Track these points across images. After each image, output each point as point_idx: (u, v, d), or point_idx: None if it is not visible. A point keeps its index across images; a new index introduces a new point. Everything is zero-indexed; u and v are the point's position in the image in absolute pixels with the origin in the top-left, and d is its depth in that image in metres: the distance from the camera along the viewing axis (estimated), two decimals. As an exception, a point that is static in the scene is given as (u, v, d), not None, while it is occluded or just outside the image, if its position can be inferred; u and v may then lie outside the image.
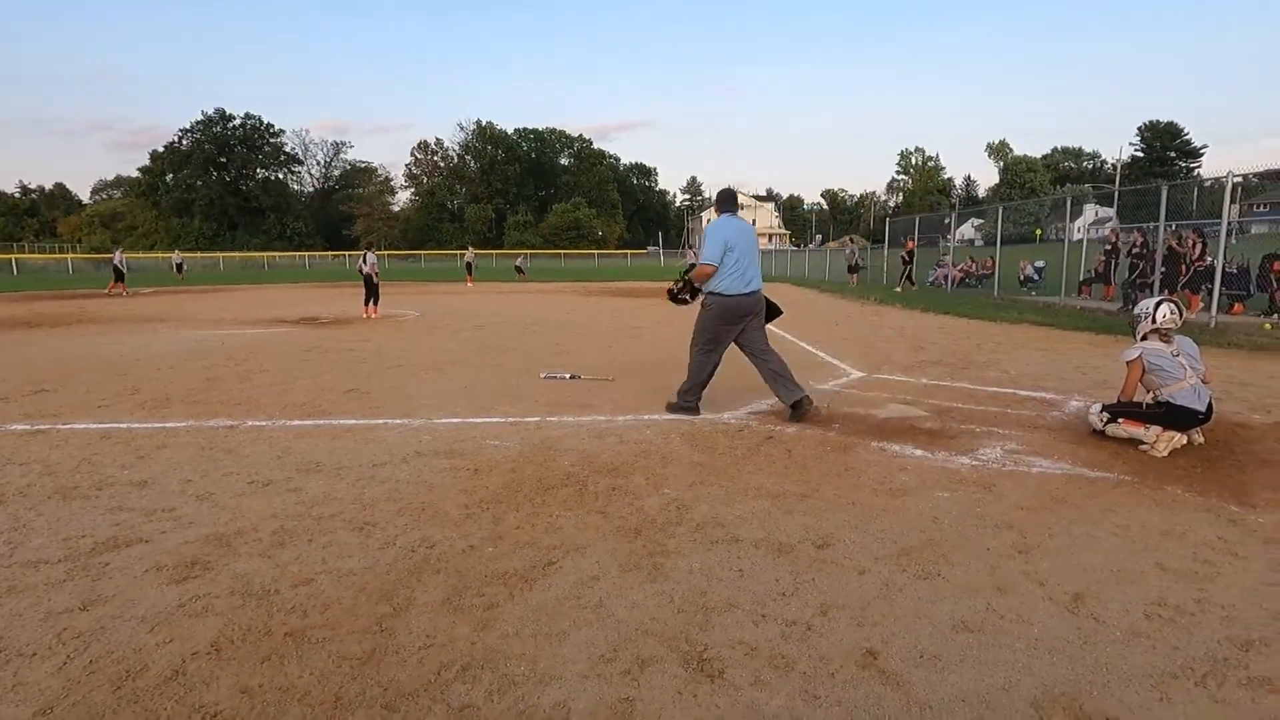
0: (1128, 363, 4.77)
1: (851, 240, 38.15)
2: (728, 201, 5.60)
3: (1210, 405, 4.59)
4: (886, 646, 2.39)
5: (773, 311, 5.67)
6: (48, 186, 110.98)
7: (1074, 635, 2.45)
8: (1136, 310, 4.93)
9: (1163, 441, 4.47)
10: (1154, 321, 4.73)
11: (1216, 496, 3.75)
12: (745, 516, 3.51)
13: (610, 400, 6.21)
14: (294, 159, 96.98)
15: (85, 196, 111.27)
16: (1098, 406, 4.86)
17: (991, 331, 11.32)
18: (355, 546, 3.19)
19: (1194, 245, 13.08)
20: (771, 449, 4.66)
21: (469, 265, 31.80)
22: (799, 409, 5.36)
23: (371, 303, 14.91)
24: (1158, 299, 4.86)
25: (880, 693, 2.15)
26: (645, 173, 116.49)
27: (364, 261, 15.23)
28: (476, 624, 2.54)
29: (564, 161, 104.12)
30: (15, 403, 6.29)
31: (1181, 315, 4.78)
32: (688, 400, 5.65)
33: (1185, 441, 4.54)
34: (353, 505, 3.70)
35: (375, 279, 15.00)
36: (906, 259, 22.33)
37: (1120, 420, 4.67)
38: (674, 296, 5.87)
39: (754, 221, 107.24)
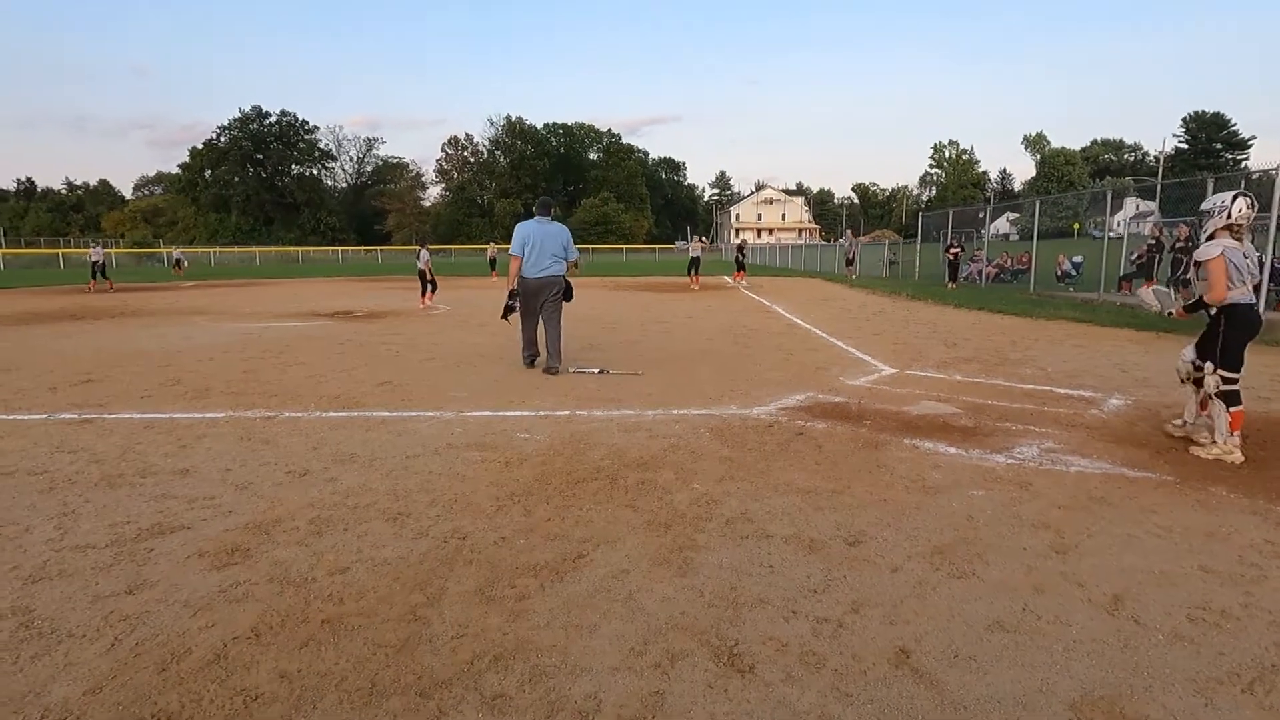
0: (1207, 262, 4.31)
1: (851, 233, 37.85)
2: (540, 207, 7.50)
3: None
4: (920, 645, 2.36)
5: (568, 292, 7.56)
6: (92, 183, 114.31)
7: (1114, 637, 2.40)
8: (1206, 206, 4.50)
9: (1220, 449, 4.26)
10: (1229, 216, 4.31)
11: (1264, 498, 3.64)
12: (775, 512, 3.50)
13: (639, 394, 6.22)
14: (328, 155, 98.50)
15: (128, 193, 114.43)
16: (1210, 365, 4.39)
17: (1027, 328, 11.10)
18: (389, 536, 3.24)
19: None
20: (801, 445, 4.63)
21: (492, 260, 32.24)
22: (545, 370, 7.31)
23: (429, 291, 16.22)
24: (1234, 192, 4.40)
25: (913, 692, 2.13)
26: (674, 167, 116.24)
27: (418, 258, 16.32)
28: (508, 615, 2.57)
29: (593, 156, 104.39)
30: (64, 393, 6.49)
31: (1255, 209, 4.39)
32: (526, 356, 7.61)
33: (1240, 460, 4.21)
34: (387, 496, 3.75)
35: (429, 273, 16.25)
36: (955, 255, 21.44)
37: (1232, 411, 4.28)
38: (505, 314, 7.84)
39: (783, 215, 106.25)
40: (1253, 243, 4.69)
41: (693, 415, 5.46)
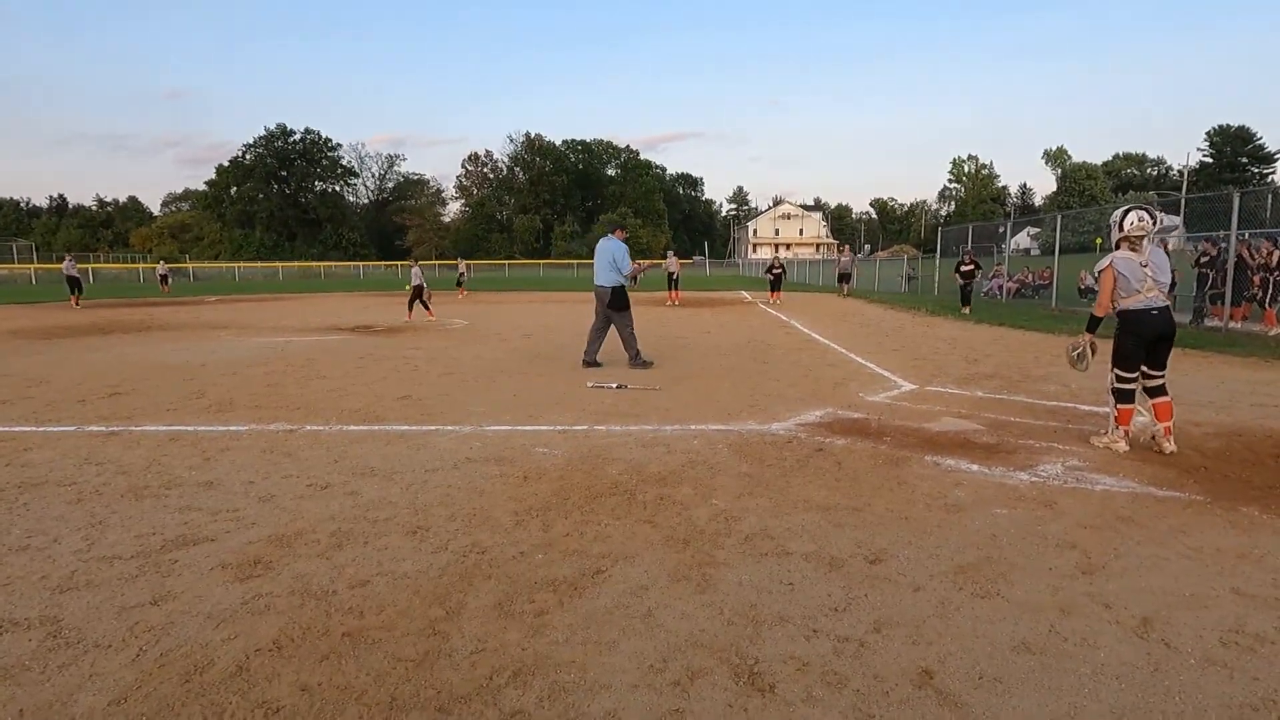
0: (1099, 273, 4.80)
1: (844, 249, 37.25)
2: (607, 226, 9.06)
3: (1169, 311, 4.73)
4: (943, 666, 2.33)
5: (614, 301, 8.69)
6: (122, 200, 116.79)
7: (1143, 661, 2.35)
8: (1110, 220, 4.94)
9: (1112, 438, 4.82)
10: (1121, 229, 4.74)
11: (1297, 519, 3.56)
12: (795, 529, 3.47)
13: (657, 409, 6.21)
14: (350, 171, 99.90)
15: (156, 209, 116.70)
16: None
17: (1050, 344, 10.96)
18: (409, 550, 3.26)
19: (1269, 254, 12.42)
20: (821, 461, 4.60)
21: (460, 277, 31.28)
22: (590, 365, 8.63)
23: (426, 307, 16.88)
24: (1126, 207, 4.88)
25: (937, 713, 2.10)
26: (691, 182, 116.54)
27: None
28: (527, 630, 2.57)
29: (611, 172, 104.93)
30: (92, 405, 6.61)
31: (1154, 221, 4.76)
32: (640, 359, 8.72)
33: (1126, 449, 4.73)
34: (406, 510, 3.78)
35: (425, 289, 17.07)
36: (965, 277, 17.79)
37: (1120, 407, 4.80)
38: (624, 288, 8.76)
39: (801, 231, 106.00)
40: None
41: (710, 431, 5.44)
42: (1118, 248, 4.79)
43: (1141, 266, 4.66)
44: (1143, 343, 4.73)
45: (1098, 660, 2.35)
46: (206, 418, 6.03)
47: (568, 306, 22.47)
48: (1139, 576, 2.95)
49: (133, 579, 2.99)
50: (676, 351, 10.40)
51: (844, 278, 27.90)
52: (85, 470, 4.52)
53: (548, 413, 6.13)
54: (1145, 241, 4.73)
